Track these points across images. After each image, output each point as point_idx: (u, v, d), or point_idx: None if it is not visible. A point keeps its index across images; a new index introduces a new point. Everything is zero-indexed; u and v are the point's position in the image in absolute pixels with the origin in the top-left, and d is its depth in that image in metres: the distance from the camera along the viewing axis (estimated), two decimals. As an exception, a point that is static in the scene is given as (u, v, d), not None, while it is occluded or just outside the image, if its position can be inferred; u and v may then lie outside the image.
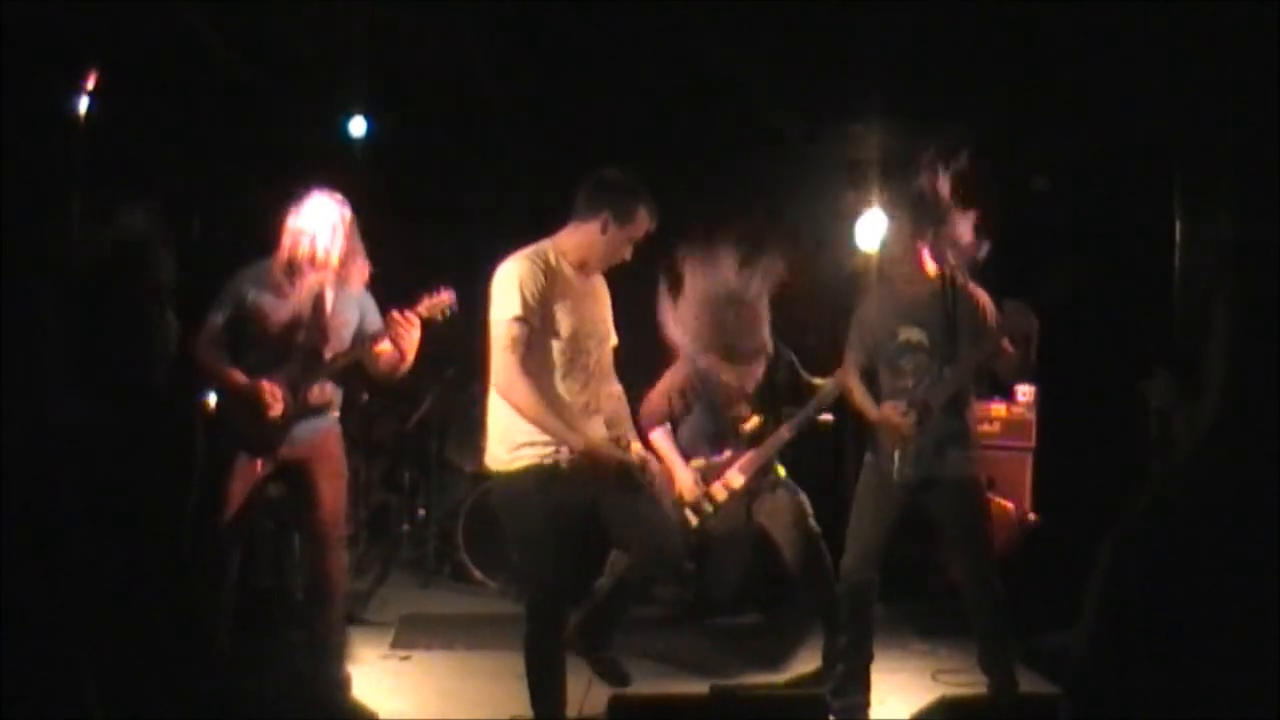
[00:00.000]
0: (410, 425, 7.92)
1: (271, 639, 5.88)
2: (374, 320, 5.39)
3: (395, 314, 5.24)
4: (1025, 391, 7.50)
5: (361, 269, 5.37)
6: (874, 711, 5.47)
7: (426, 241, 7.80)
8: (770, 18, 6.71)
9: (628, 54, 7.21)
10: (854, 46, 6.67)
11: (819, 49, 6.85)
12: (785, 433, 5.97)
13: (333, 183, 6.37)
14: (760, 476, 5.98)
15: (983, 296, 5.26)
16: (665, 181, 7.86)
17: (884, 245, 5.42)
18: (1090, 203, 7.15)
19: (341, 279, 5.29)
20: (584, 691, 5.04)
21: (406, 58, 7.18)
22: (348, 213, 5.32)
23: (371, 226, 7.26)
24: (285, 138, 7.14)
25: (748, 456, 5.97)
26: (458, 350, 7.11)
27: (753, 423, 6.03)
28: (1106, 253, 7.00)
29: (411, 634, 6.62)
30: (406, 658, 6.28)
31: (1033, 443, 7.59)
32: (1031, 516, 7.41)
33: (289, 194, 5.34)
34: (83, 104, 5.47)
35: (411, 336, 5.24)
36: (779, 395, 6.02)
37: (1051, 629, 6.61)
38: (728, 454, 6.02)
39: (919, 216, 5.15)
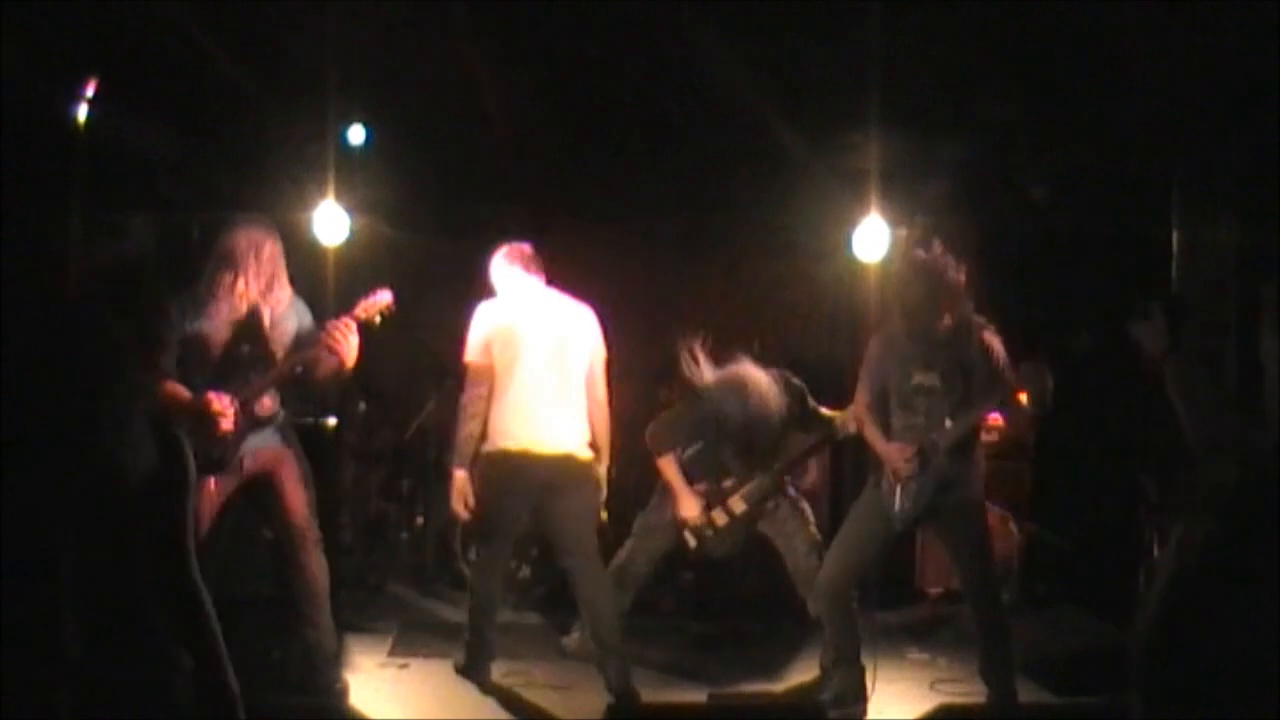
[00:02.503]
0: (409, 434, 7.91)
1: (268, 647, 5.86)
2: (310, 329, 5.41)
3: (332, 321, 5.27)
4: (1023, 401, 7.49)
5: (282, 293, 5.40)
6: (872, 720, 5.47)
7: (425, 249, 7.82)
8: (770, 27, 6.72)
9: (628, 64, 7.22)
10: (853, 57, 6.67)
11: (818, 59, 6.86)
12: (790, 465, 6.04)
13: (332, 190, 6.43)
14: (762, 503, 6.03)
15: (997, 345, 5.30)
16: (664, 192, 7.94)
17: (902, 306, 5.43)
18: (1088, 213, 7.15)
19: (267, 300, 5.34)
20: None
21: (406, 65, 7.19)
22: (272, 239, 5.39)
23: (370, 234, 7.31)
24: (284, 146, 7.14)
25: (752, 484, 6.02)
26: (456, 359, 7.13)
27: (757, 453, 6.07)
28: (1105, 262, 7.01)
29: (410, 642, 6.61)
30: (405, 666, 6.26)
31: (1031, 453, 7.58)
32: (1029, 527, 7.40)
33: (286, 202, 5.37)
34: (81, 112, 5.49)
35: (350, 342, 5.26)
36: (787, 424, 6.05)
37: (1050, 638, 6.63)
38: (732, 480, 6.06)
39: (938, 293, 5.21)
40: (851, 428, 5.88)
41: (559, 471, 5.59)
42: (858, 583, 5.47)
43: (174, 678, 3.79)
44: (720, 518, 6.05)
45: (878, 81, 6.69)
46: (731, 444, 6.05)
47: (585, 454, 5.66)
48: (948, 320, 5.23)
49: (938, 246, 5.25)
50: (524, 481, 5.60)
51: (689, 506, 6.06)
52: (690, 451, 6.15)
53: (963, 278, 5.22)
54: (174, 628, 3.77)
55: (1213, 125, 5.60)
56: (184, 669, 3.88)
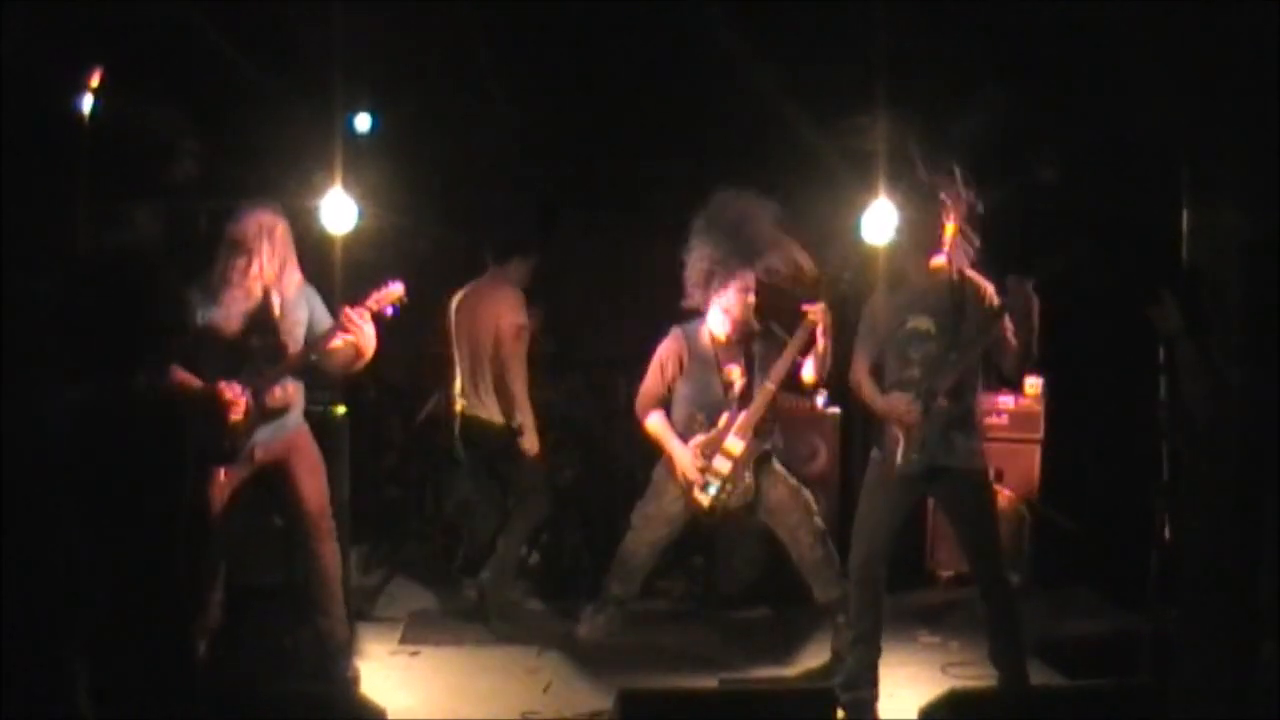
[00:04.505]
0: (419, 421, 7.91)
1: (279, 635, 5.88)
2: (323, 317, 5.43)
3: (347, 310, 5.29)
4: (1033, 383, 7.48)
5: (293, 277, 5.44)
6: (883, 704, 5.47)
7: (433, 237, 7.81)
8: (778, 8, 6.70)
9: (635, 50, 7.20)
10: (861, 37, 6.66)
11: (827, 40, 6.84)
12: (771, 385, 5.98)
13: (340, 178, 6.43)
14: (759, 441, 5.99)
15: (987, 286, 5.29)
16: (671, 175, 7.91)
17: (895, 246, 5.43)
18: (1098, 194, 7.12)
19: (280, 284, 5.36)
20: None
21: (413, 52, 7.18)
22: (283, 224, 5.41)
23: (378, 222, 7.30)
24: (290, 133, 7.13)
25: (740, 418, 5.99)
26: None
27: (739, 384, 6.04)
28: (1114, 244, 6.98)
29: (420, 630, 6.62)
30: (415, 653, 6.27)
31: (1041, 435, 7.57)
32: (1040, 508, 7.38)
33: (292, 191, 5.37)
34: (88, 102, 5.48)
35: (365, 332, 5.29)
36: (763, 360, 6.04)
37: (1061, 621, 6.62)
38: (722, 421, 6.03)
39: (931, 232, 5.20)
40: (818, 319, 5.83)
41: (490, 434, 6.70)
42: (886, 560, 5.44)
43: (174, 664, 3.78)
44: (722, 465, 6.01)
45: (885, 63, 6.67)
46: (708, 374, 6.09)
47: (498, 419, 6.68)
48: (945, 256, 5.20)
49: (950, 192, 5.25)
50: (467, 439, 6.85)
51: (685, 460, 6.06)
52: (675, 408, 6.15)
53: (966, 203, 5.22)
54: (160, 616, 3.76)
55: (1223, 105, 5.57)
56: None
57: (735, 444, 5.99)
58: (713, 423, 6.06)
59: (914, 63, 6.70)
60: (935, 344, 5.24)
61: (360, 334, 5.28)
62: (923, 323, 5.26)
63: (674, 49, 7.05)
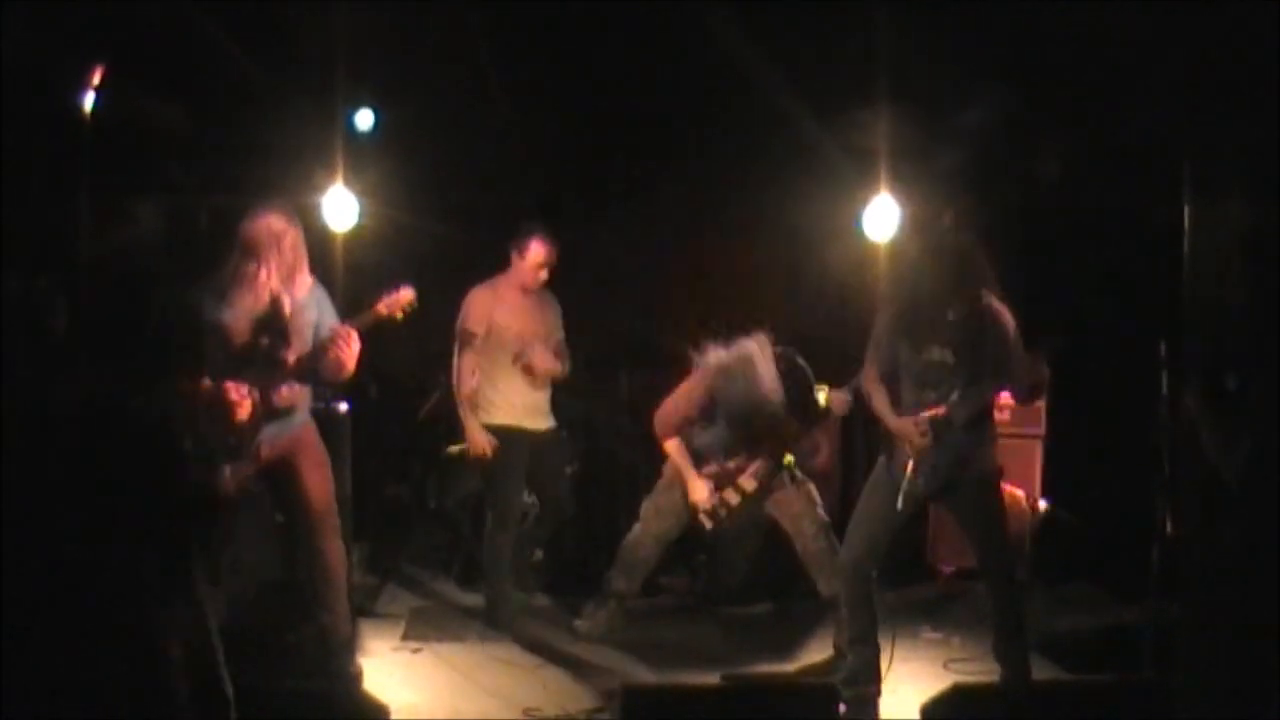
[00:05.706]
0: (420, 418, 7.91)
1: (282, 632, 5.88)
2: (331, 320, 5.44)
3: (336, 327, 5.33)
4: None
5: (303, 280, 5.44)
6: (885, 700, 5.46)
7: (433, 234, 7.81)
8: (778, 6, 6.70)
9: (636, 45, 7.20)
10: (863, 34, 6.66)
11: (828, 37, 6.84)
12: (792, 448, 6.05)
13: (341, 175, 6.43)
14: (770, 479, 6.03)
15: (1008, 319, 5.23)
16: (672, 174, 7.92)
17: (915, 281, 5.39)
18: (1099, 190, 7.13)
19: (288, 289, 5.36)
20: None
21: (414, 49, 7.18)
22: (293, 231, 5.40)
23: (379, 219, 7.31)
24: (292, 130, 7.13)
25: (759, 463, 6.02)
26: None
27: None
28: (1116, 240, 6.99)
29: (422, 626, 6.63)
30: (418, 650, 6.28)
31: (1043, 430, 7.56)
32: (1042, 504, 7.38)
33: (294, 188, 5.37)
34: (89, 99, 5.49)
35: (350, 349, 5.31)
36: (791, 406, 6.03)
37: (1064, 616, 6.62)
38: (739, 459, 6.05)
39: (960, 277, 5.17)
40: (840, 409, 5.86)
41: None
42: (878, 561, 5.44)
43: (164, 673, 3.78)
44: (732, 497, 6.06)
45: (887, 59, 6.67)
46: (733, 425, 6.04)
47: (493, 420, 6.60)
48: (964, 302, 5.18)
49: (955, 224, 5.23)
50: None
51: (699, 490, 6.07)
52: (697, 434, 6.15)
53: (984, 262, 5.19)
54: (169, 623, 3.77)
55: (1224, 100, 5.58)
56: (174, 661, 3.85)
57: (749, 483, 6.05)
58: (730, 457, 6.08)
59: (915, 59, 6.70)
60: (952, 373, 5.19)
61: (347, 353, 5.30)
62: (942, 355, 5.19)
63: (675, 45, 7.05)
